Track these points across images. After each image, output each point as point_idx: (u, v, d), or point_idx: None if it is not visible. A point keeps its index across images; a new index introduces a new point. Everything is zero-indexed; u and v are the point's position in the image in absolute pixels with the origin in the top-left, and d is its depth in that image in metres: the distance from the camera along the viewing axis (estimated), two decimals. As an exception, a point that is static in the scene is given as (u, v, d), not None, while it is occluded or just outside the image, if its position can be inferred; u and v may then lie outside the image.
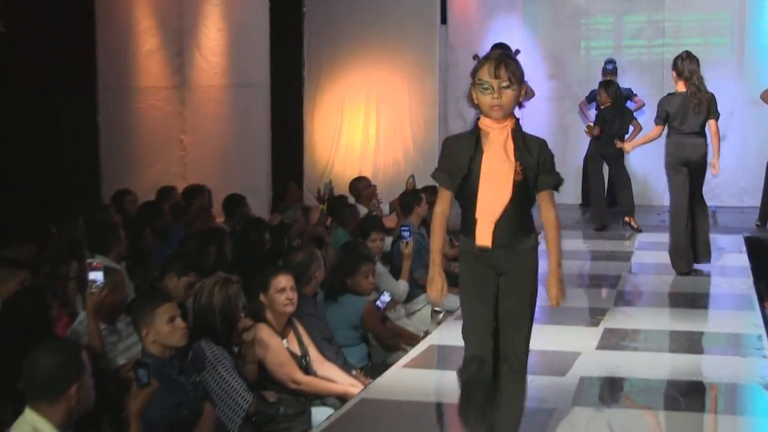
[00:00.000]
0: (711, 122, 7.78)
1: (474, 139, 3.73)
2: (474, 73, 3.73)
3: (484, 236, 3.71)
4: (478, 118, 3.76)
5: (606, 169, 10.53)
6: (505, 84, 3.64)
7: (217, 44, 11.80)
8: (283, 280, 5.30)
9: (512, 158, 3.67)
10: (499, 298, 3.80)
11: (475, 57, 3.78)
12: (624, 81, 11.45)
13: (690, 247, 7.85)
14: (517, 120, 3.75)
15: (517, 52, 3.81)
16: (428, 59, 12.12)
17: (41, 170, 10.46)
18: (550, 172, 3.76)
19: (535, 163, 3.71)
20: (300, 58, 12.51)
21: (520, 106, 3.75)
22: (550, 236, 3.82)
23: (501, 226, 3.69)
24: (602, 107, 10.40)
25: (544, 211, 3.80)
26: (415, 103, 12.22)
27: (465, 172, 3.71)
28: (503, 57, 3.69)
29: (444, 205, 3.84)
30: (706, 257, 8.00)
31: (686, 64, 7.78)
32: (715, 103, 7.79)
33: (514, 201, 3.68)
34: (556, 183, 3.79)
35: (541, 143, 3.76)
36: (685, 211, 7.77)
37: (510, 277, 3.78)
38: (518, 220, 3.72)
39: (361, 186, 9.82)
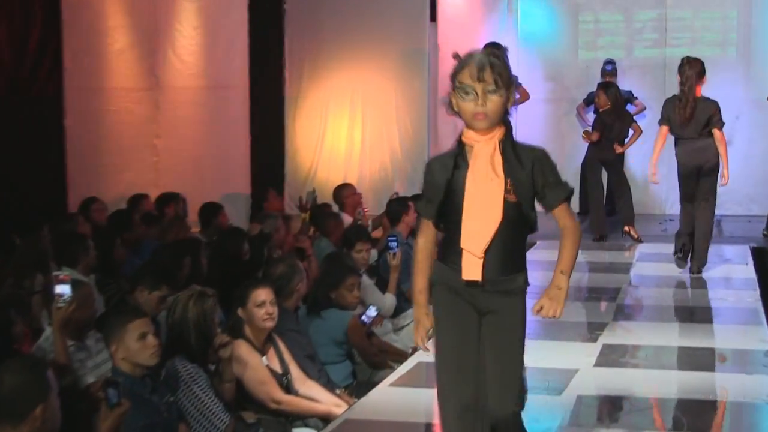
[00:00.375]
0: (714, 131, 8.05)
1: (454, 156, 3.46)
2: (454, 75, 3.43)
3: (472, 269, 3.41)
4: (461, 133, 3.48)
5: (604, 176, 10.57)
6: (490, 88, 3.36)
7: (192, 43, 11.83)
8: (263, 294, 5.31)
9: (501, 174, 3.38)
10: (484, 341, 3.50)
11: (456, 56, 3.47)
12: (624, 83, 11.50)
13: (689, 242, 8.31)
14: (509, 128, 3.46)
15: (506, 50, 3.53)
16: (417, 59, 12.15)
17: (4, 177, 10.44)
18: (556, 184, 3.46)
19: (528, 179, 3.41)
20: (281, 58, 12.52)
21: (509, 112, 3.46)
22: (565, 242, 3.52)
23: (490, 257, 3.40)
24: (601, 110, 10.43)
25: (562, 222, 3.51)
26: (402, 105, 12.25)
27: (441, 197, 3.44)
28: (488, 56, 3.39)
29: (426, 237, 3.58)
30: (696, 266, 8.34)
31: (684, 70, 8.11)
32: (718, 111, 8.07)
33: (505, 226, 3.39)
34: (567, 194, 3.49)
35: (537, 154, 3.46)
36: (688, 215, 8.27)
37: (496, 320, 3.48)
38: (510, 251, 3.45)
39: (345, 193, 9.82)
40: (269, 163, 12.29)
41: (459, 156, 3.46)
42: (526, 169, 3.42)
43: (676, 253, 8.38)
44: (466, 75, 3.38)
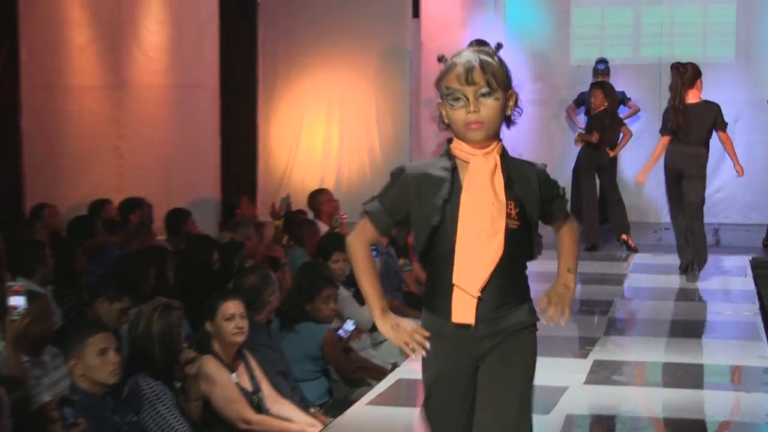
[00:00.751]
0: (719, 134, 8.54)
1: (450, 171, 3.12)
2: (440, 81, 3.13)
3: (464, 310, 3.08)
4: (450, 141, 3.17)
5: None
6: (483, 90, 3.05)
7: (158, 38, 11.80)
8: (233, 306, 5.30)
9: (502, 197, 3.08)
10: (480, 393, 3.16)
11: (441, 59, 3.17)
12: (617, 84, 11.56)
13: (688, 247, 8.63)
14: (501, 142, 3.18)
15: (499, 46, 3.20)
16: (398, 57, 12.17)
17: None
18: (558, 194, 3.27)
19: (537, 200, 3.16)
20: (254, 54, 12.51)
21: (509, 121, 3.17)
22: (566, 239, 3.34)
23: (487, 294, 3.09)
24: (596, 111, 10.47)
25: (563, 224, 3.33)
26: (383, 106, 12.26)
27: (435, 223, 3.10)
28: (477, 54, 3.09)
29: (365, 241, 3.23)
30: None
31: (672, 76, 8.58)
32: (721, 113, 8.52)
33: (505, 257, 3.08)
34: (567, 201, 3.35)
35: (540, 169, 3.22)
36: (679, 218, 8.60)
37: (496, 366, 3.13)
38: (509, 284, 3.13)
39: (321, 200, 9.80)
40: (241, 167, 12.28)
41: (451, 172, 3.12)
42: (533, 188, 3.16)
43: (684, 270, 8.62)
44: (453, 78, 3.07)
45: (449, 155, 3.14)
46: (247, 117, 12.44)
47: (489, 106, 3.08)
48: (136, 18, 11.81)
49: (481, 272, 3.07)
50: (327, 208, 9.63)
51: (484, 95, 3.07)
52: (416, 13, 12.37)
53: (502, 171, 3.11)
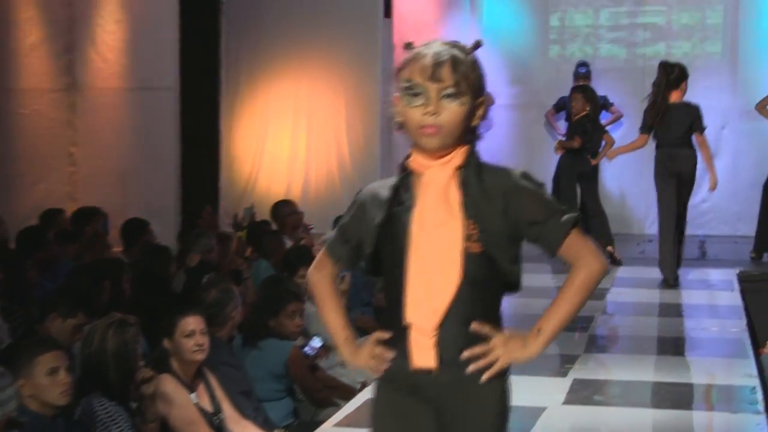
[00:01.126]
0: (695, 136, 8.80)
1: (394, 188, 2.85)
2: (401, 70, 2.84)
3: (423, 353, 2.78)
4: (408, 156, 2.87)
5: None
6: (450, 91, 2.74)
7: (114, 39, 11.77)
8: (192, 322, 5.29)
9: (458, 214, 2.75)
10: None
11: (408, 46, 2.86)
12: (599, 87, 11.62)
13: (675, 258, 8.87)
14: (473, 149, 2.84)
15: (477, 45, 2.89)
16: (369, 59, 12.18)
17: None
18: (551, 214, 2.80)
19: (501, 221, 2.77)
20: (216, 56, 12.51)
21: (475, 133, 2.85)
22: (568, 283, 2.84)
23: (447, 332, 2.76)
24: (577, 116, 10.52)
25: (576, 257, 2.83)
26: (353, 110, 12.27)
27: (369, 247, 2.87)
28: (451, 48, 2.79)
29: (324, 273, 3.04)
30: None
31: (657, 74, 8.89)
32: (700, 115, 8.79)
33: (468, 287, 2.75)
34: (573, 221, 2.81)
35: (512, 181, 2.80)
36: (672, 221, 8.82)
37: (461, 420, 2.82)
38: (478, 319, 2.79)
39: (285, 212, 9.74)
40: (202, 175, 12.25)
41: (402, 188, 2.84)
42: (497, 206, 2.77)
43: (669, 285, 8.90)
44: (417, 70, 2.76)
45: (403, 168, 2.85)
46: (209, 122, 12.42)
47: (452, 110, 2.75)
48: (91, 17, 11.77)
49: (435, 306, 2.75)
50: (291, 220, 9.59)
51: (448, 96, 2.75)
52: (388, 12, 12.39)
53: (459, 183, 2.78)
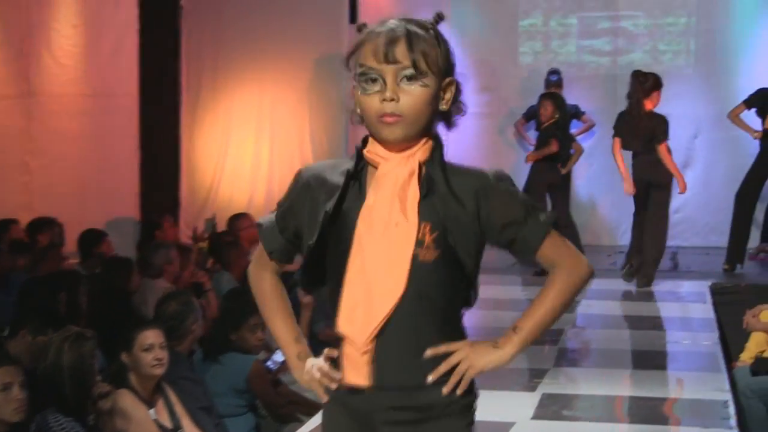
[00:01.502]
0: (656, 146, 9.03)
1: (346, 174, 2.57)
2: (352, 53, 2.57)
3: (355, 368, 2.53)
4: (365, 141, 2.60)
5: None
6: (408, 72, 2.47)
7: (71, 44, 11.74)
8: (151, 336, 5.28)
9: (412, 216, 2.48)
10: None
11: (362, 27, 2.60)
12: (570, 96, 11.66)
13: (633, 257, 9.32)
14: (439, 143, 2.58)
15: (439, 18, 2.61)
16: (334, 66, 12.19)
17: None
18: (528, 214, 2.58)
19: (472, 225, 2.53)
20: (177, 62, 12.49)
21: (447, 120, 2.60)
22: (547, 287, 2.63)
23: (387, 351, 2.51)
24: (548, 123, 10.56)
25: (554, 260, 2.62)
26: (317, 118, 12.29)
27: (311, 238, 2.58)
28: (407, 24, 2.52)
29: (264, 272, 2.77)
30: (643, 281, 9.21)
31: (630, 83, 9.17)
32: (663, 126, 9.00)
33: (415, 300, 2.49)
34: (550, 221, 2.62)
35: (485, 181, 2.56)
36: (639, 231, 9.26)
37: None
38: (429, 340, 2.53)
39: (241, 225, 9.65)
40: (162, 184, 12.22)
41: (354, 178, 2.58)
42: (467, 208, 2.52)
43: (623, 268, 9.38)
44: (369, 52, 2.50)
45: (358, 156, 2.57)
46: (169, 130, 12.40)
47: (413, 94, 2.47)
48: (47, 21, 11.74)
49: (371, 317, 2.48)
50: (247, 235, 9.48)
51: (408, 79, 2.47)
52: (353, 18, 12.40)
53: (420, 181, 2.51)
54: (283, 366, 6.50)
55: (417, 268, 2.48)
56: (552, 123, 10.50)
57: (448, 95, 2.57)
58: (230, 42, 12.39)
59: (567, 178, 10.85)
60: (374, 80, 2.49)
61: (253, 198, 12.08)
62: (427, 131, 2.55)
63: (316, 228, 2.56)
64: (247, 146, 12.50)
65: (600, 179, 11.74)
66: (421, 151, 2.54)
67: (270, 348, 6.59)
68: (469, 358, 2.52)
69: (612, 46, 12.51)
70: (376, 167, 2.54)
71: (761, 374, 6.65)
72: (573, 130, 11.38)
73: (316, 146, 12.28)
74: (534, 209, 2.60)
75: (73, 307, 6.56)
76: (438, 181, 2.53)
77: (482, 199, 2.54)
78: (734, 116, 10.14)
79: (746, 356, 7.13)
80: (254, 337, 6.28)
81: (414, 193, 2.50)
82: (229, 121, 12.49)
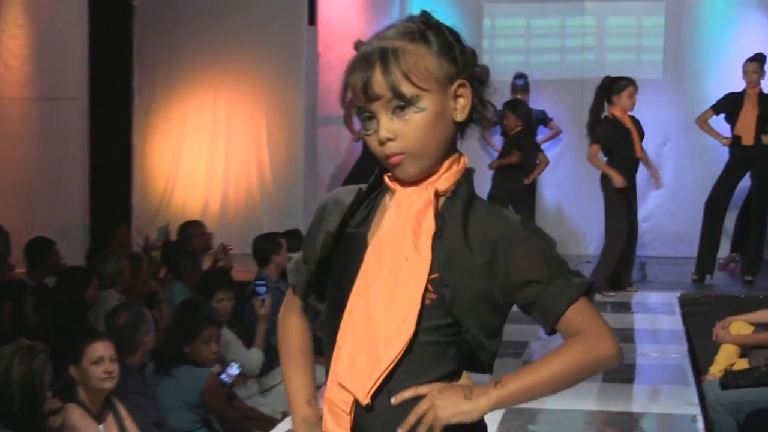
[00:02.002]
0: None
1: (363, 195, 2.39)
2: (345, 90, 2.31)
3: (337, 417, 2.29)
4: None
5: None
6: (394, 104, 2.22)
7: (18, 45, 11.66)
8: (101, 348, 5.27)
9: (425, 252, 2.24)
10: None
11: (358, 46, 2.34)
12: (536, 101, 11.73)
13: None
14: (468, 174, 2.36)
15: (426, 16, 2.37)
16: (292, 68, 12.20)
17: None
18: (557, 274, 2.28)
19: (482, 279, 2.25)
20: (129, 64, 12.46)
21: (463, 133, 2.37)
22: (555, 352, 2.30)
23: (384, 408, 2.26)
24: (511, 133, 10.63)
25: (581, 334, 2.29)
26: (274, 123, 12.28)
27: (312, 266, 2.40)
28: (385, 42, 2.27)
29: (294, 313, 2.55)
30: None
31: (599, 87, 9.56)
32: (598, 130, 9.48)
33: (422, 353, 2.26)
34: (584, 285, 2.30)
35: (506, 229, 2.28)
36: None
37: None
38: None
39: (192, 233, 9.66)
40: (113, 190, 12.17)
41: (372, 200, 2.39)
42: (479, 258, 2.25)
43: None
44: (355, 88, 2.25)
45: (377, 177, 2.37)
46: (120, 134, 12.36)
47: (410, 124, 2.22)
48: (-8, 20, 11.68)
49: (373, 365, 2.23)
50: (199, 243, 9.48)
51: (400, 109, 2.22)
52: (312, 20, 12.42)
53: (438, 215, 2.27)
54: (238, 379, 6.51)
55: (429, 313, 2.24)
56: (517, 132, 10.57)
57: (463, 101, 2.30)
58: (185, 43, 12.37)
59: (532, 188, 10.93)
60: (370, 118, 2.26)
61: (208, 205, 12.07)
62: (448, 153, 2.31)
63: (318, 252, 2.36)
64: (202, 151, 12.47)
65: (567, 187, 11.83)
66: (443, 179, 2.30)
67: (224, 361, 6.59)
68: (436, 407, 2.21)
69: (579, 50, 12.59)
70: (393, 192, 2.32)
71: (730, 388, 6.73)
72: (540, 137, 11.45)
73: (273, 152, 12.27)
74: (563, 269, 2.29)
75: (19, 318, 6.54)
76: (454, 221, 2.28)
77: (500, 250, 2.25)
78: (702, 122, 10.20)
79: (716, 369, 7.21)
80: (208, 349, 6.28)
81: (429, 225, 2.25)
82: (184, 125, 12.47)
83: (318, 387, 2.49)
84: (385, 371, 2.22)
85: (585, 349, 2.28)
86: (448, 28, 2.33)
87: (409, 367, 2.24)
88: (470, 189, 2.33)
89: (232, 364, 6.45)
